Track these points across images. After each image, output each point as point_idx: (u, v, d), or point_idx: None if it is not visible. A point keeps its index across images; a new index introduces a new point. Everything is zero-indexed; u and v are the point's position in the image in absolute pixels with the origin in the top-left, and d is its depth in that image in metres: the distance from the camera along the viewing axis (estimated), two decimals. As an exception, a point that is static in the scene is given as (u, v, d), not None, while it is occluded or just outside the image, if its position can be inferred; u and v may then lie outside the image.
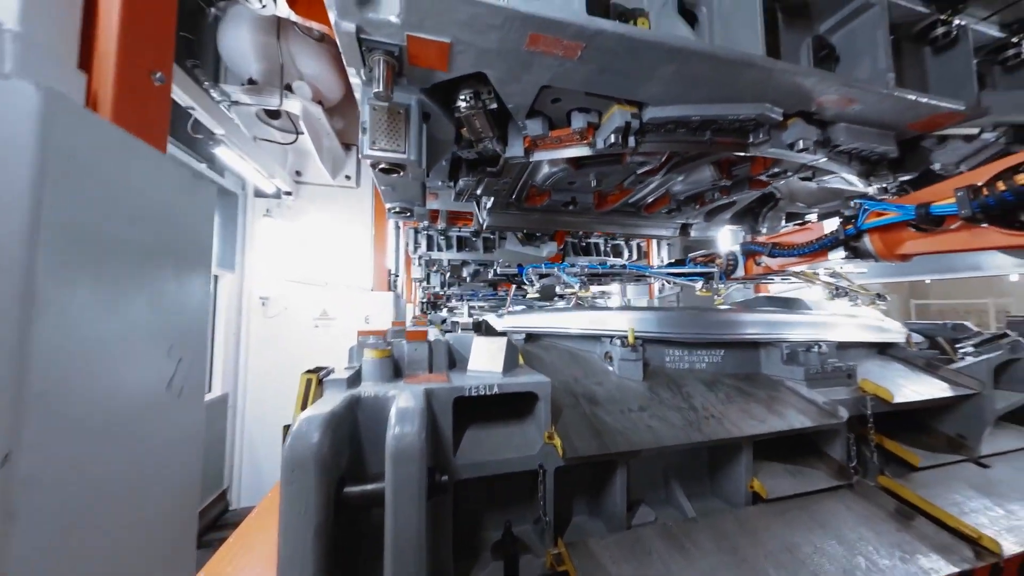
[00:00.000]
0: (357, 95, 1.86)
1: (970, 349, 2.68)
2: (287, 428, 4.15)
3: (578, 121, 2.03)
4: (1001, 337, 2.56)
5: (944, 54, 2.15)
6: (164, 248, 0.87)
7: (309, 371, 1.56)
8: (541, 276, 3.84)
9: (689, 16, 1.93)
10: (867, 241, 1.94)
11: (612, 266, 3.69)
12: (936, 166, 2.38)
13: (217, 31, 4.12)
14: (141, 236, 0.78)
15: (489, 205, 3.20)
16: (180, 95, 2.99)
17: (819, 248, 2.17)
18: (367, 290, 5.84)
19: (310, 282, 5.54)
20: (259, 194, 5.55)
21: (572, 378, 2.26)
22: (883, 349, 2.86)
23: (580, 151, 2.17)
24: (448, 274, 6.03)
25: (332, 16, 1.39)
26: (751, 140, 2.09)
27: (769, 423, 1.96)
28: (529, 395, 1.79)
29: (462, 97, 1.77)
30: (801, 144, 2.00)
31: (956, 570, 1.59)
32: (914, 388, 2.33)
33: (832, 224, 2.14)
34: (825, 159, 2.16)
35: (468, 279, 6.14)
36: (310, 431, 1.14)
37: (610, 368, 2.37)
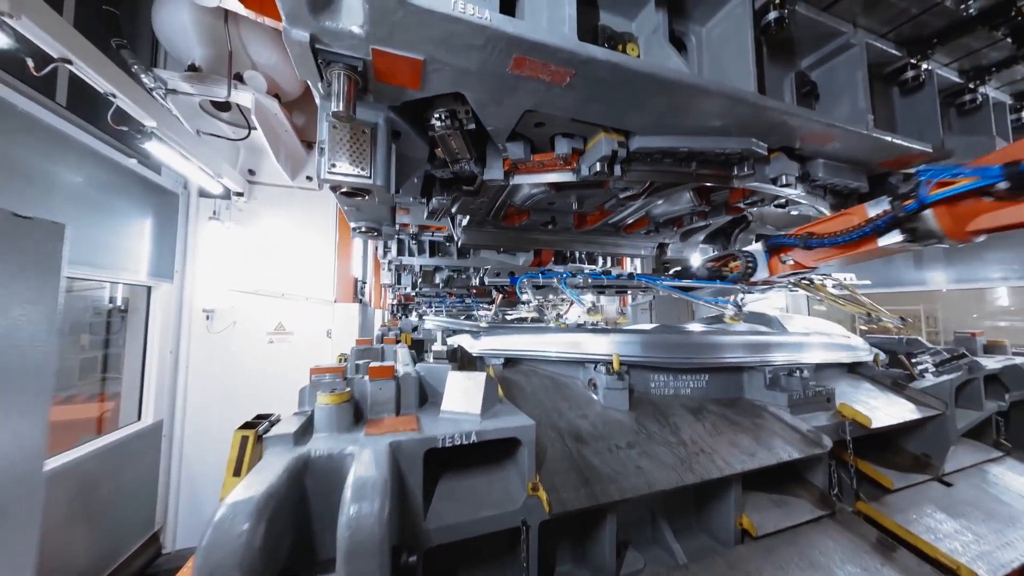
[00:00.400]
0: (317, 99, 1.62)
1: (929, 367, 2.80)
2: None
3: (562, 146, 1.94)
4: (960, 357, 2.68)
5: (911, 96, 2.28)
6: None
7: (246, 425, 1.29)
8: (538, 287, 3.65)
9: (678, 43, 1.89)
10: (931, 218, 1.60)
11: (619, 276, 3.53)
12: None
13: (152, 7, 3.63)
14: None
15: (465, 223, 3.04)
16: (98, 80, 2.55)
17: (869, 232, 1.81)
18: (329, 302, 5.39)
19: (264, 293, 5.03)
20: (204, 194, 4.98)
21: (555, 410, 2.11)
22: (852, 368, 2.94)
23: (563, 177, 2.09)
24: (420, 279, 5.74)
25: (282, 21, 1.17)
26: (736, 172, 2.09)
27: (758, 456, 1.89)
28: (510, 439, 1.61)
29: (437, 116, 1.62)
30: (784, 179, 2.04)
31: (942, 607, 1.58)
32: (886, 411, 2.38)
33: (878, 206, 1.85)
34: (804, 192, 2.19)
35: (441, 285, 5.87)
36: (235, 524, 0.89)
37: (594, 397, 2.24)
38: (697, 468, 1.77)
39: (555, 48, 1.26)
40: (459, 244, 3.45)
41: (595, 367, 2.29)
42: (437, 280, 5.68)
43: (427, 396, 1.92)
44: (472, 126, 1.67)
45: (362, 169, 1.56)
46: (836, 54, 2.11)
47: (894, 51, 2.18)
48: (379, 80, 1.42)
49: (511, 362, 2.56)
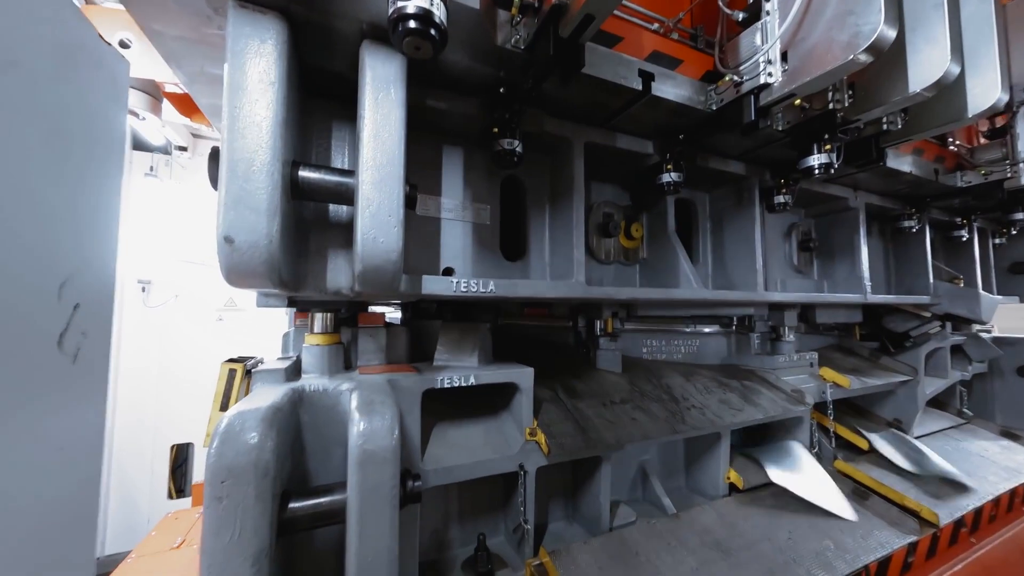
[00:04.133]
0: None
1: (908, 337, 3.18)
2: (176, 448, 3.59)
3: (558, 308, 2.29)
4: (932, 325, 3.06)
5: (906, 241, 2.86)
6: (52, 124, 0.62)
7: (232, 360, 1.33)
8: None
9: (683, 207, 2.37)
10: None
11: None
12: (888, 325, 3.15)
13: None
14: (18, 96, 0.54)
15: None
16: None
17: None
18: (289, 275, 5.23)
19: (213, 263, 4.82)
20: (139, 146, 4.69)
21: (549, 370, 2.24)
22: (835, 337, 3.28)
23: (555, 324, 2.48)
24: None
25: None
26: (735, 323, 2.62)
27: (747, 412, 2.12)
28: (507, 387, 1.73)
29: None
30: (784, 332, 2.54)
31: (905, 542, 1.86)
32: (863, 376, 2.70)
33: None
34: (801, 332, 2.75)
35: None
36: (246, 429, 0.95)
37: (588, 359, 2.39)
38: (689, 420, 1.97)
39: (562, 298, 1.66)
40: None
41: (588, 329, 2.45)
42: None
43: (416, 352, 1.99)
44: None
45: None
46: (836, 212, 2.64)
47: (891, 205, 2.74)
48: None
49: (500, 325, 2.67)
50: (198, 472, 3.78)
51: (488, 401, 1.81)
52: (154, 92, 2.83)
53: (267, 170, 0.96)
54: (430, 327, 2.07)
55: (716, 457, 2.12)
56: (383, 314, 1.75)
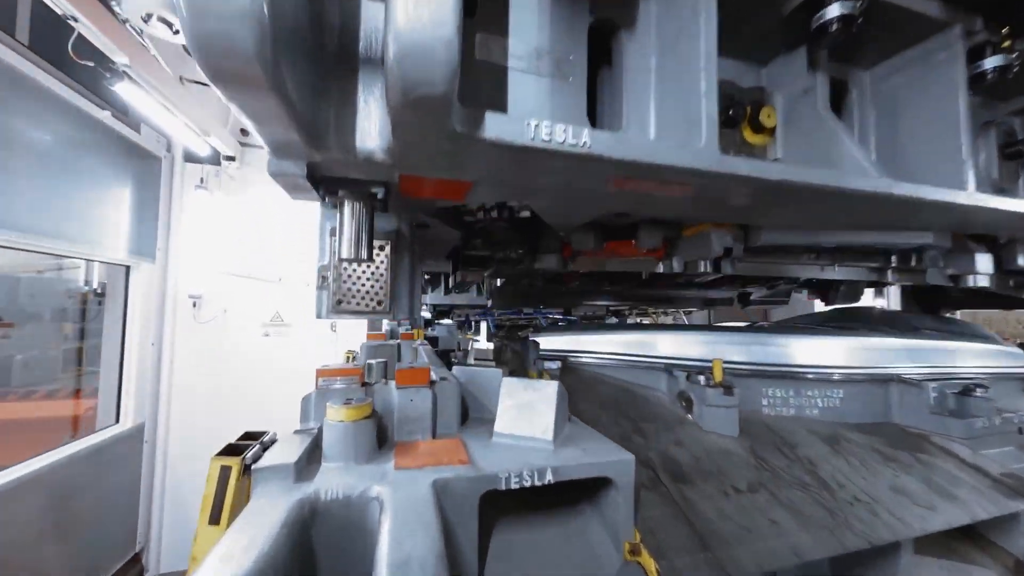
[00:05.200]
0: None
1: None
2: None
3: (650, 238, 1.75)
4: None
5: None
6: None
7: (228, 450, 1.00)
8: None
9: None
10: None
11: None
12: None
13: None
14: None
15: (499, 283, 2.99)
16: None
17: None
18: (333, 288, 5.17)
19: (259, 277, 4.84)
20: (190, 158, 4.80)
21: (637, 433, 1.75)
22: (1027, 385, 2.45)
23: (644, 267, 2.01)
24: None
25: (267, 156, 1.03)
26: (895, 265, 1.94)
27: (941, 511, 1.49)
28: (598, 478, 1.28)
29: (481, 209, 1.61)
30: (971, 279, 1.85)
31: None
32: (1100, 447, 1.91)
33: None
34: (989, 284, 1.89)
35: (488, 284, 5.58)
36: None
37: (688, 416, 1.87)
38: (857, 525, 1.39)
39: (685, 169, 1.07)
40: (489, 305, 3.66)
41: (687, 376, 1.92)
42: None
43: (468, 411, 1.61)
44: (527, 213, 1.58)
45: (377, 301, 1.51)
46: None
47: None
48: (405, 196, 1.30)
49: (569, 366, 2.22)
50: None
51: (566, 487, 1.36)
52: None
53: None
54: (488, 378, 1.67)
55: (890, 571, 1.51)
56: (427, 369, 1.37)
